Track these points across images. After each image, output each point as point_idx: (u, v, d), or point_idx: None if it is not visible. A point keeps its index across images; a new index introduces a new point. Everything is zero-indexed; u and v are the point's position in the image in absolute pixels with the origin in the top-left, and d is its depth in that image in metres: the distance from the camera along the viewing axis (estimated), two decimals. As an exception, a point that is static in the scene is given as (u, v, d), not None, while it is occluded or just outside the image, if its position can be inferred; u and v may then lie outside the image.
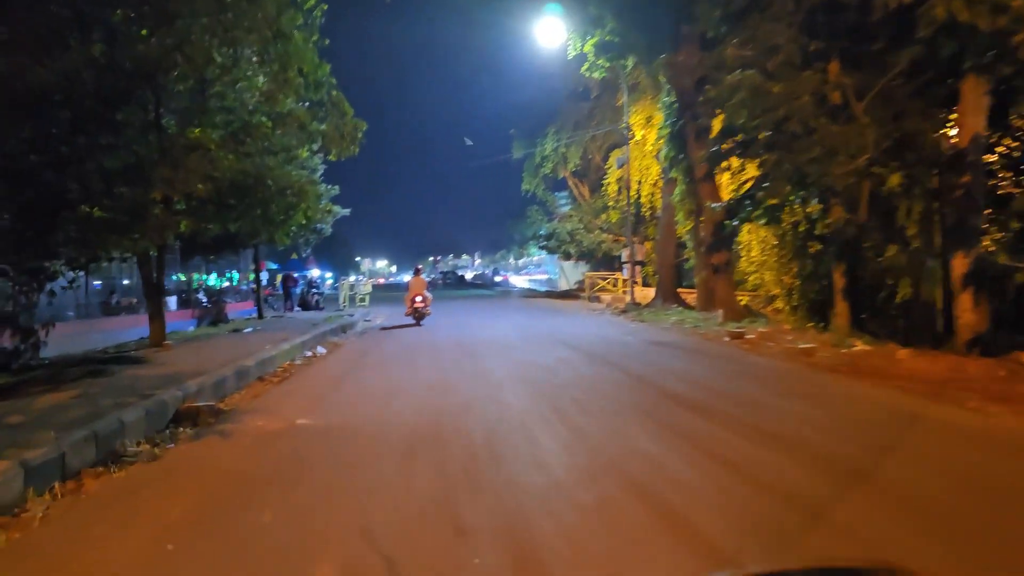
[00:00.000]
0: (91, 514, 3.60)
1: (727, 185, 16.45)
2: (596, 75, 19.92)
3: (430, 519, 3.41)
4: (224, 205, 10.48)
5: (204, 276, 30.66)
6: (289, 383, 8.03)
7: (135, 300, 21.40)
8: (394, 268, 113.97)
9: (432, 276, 63.48)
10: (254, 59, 9.42)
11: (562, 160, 30.60)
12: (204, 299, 20.75)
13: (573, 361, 9.33)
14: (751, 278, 16.39)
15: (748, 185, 13.77)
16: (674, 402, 6.33)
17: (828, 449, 4.57)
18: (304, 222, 13.47)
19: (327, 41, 10.67)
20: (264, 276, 23.01)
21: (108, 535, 3.29)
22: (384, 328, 16.04)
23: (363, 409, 6.35)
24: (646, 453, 4.51)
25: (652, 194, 23.86)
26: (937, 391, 6.56)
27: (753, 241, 15.99)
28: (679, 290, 20.02)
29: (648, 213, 24.59)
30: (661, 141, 18.46)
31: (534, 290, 43.18)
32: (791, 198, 11.41)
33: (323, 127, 11.51)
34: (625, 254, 22.05)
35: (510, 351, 10.53)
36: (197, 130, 8.66)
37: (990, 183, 9.64)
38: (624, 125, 21.87)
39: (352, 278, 37.30)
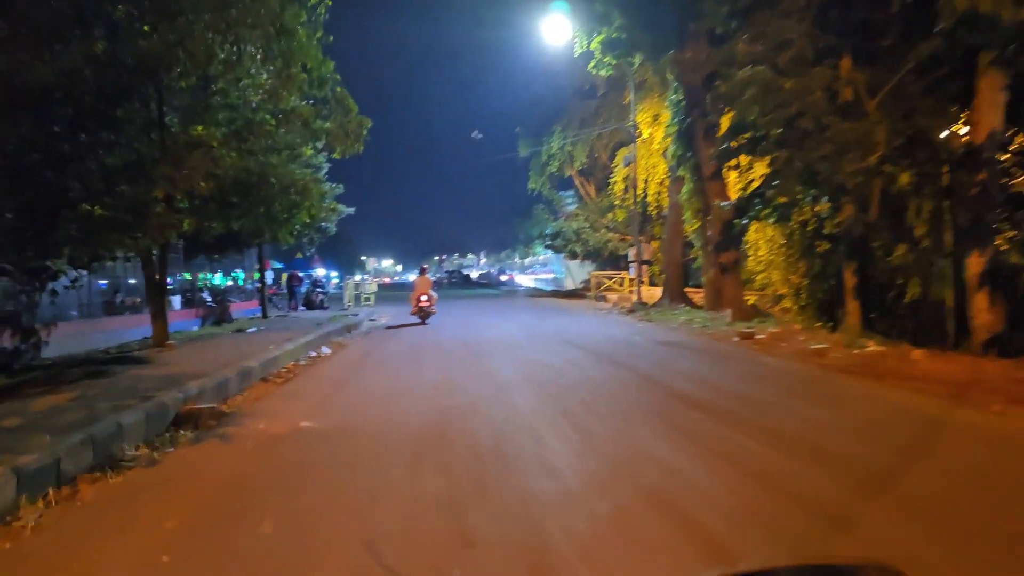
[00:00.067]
0: (85, 522, 3.47)
1: (734, 184, 16.27)
2: (603, 73, 19.72)
3: (436, 529, 3.27)
4: (227, 203, 10.36)
5: (209, 275, 30.63)
6: (292, 384, 7.91)
7: (139, 299, 21.34)
8: (400, 267, 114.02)
9: (437, 275, 63.41)
10: (258, 55, 9.28)
11: (568, 159, 30.42)
12: (208, 298, 20.66)
13: (580, 361, 9.19)
14: (758, 277, 16.20)
15: (756, 184, 13.61)
16: (685, 404, 6.17)
17: (850, 454, 4.40)
18: (308, 221, 13.37)
19: (331, 38, 10.54)
20: (269, 275, 22.93)
21: (101, 545, 3.16)
22: (389, 327, 15.98)
23: (367, 411, 6.21)
24: (659, 457, 4.37)
25: (659, 193, 23.65)
26: (957, 393, 6.38)
27: (761, 240, 15.79)
28: (686, 289, 19.85)
29: (655, 212, 24.40)
30: (668, 139, 18.30)
31: (540, 289, 43.03)
32: (801, 196, 11.24)
33: (327, 124, 11.37)
34: (632, 253, 21.90)
35: (516, 351, 10.39)
36: (199, 127, 8.53)
37: (1000, 181, 9.49)
38: (631, 123, 21.71)
39: (357, 277, 37.28)
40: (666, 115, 19.01)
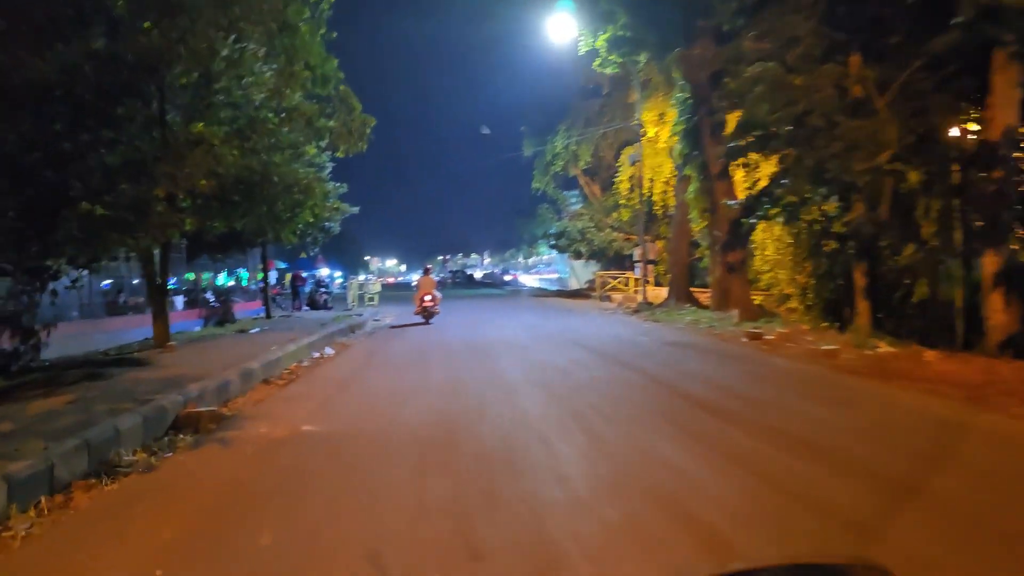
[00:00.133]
0: (78, 533, 3.34)
1: (740, 183, 16.09)
2: (608, 71, 19.60)
3: (443, 540, 3.13)
4: (228, 202, 10.23)
5: (214, 275, 30.56)
6: (295, 386, 7.78)
7: (141, 299, 21.23)
8: (404, 267, 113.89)
9: (441, 275, 63.33)
10: (261, 52, 9.15)
11: (573, 158, 30.23)
12: (212, 298, 20.59)
13: (588, 362, 9.04)
14: (764, 277, 16.05)
15: (762, 183, 13.49)
16: (697, 407, 6.02)
17: (870, 460, 4.25)
18: (311, 220, 13.25)
19: (335, 35, 10.42)
20: (273, 275, 22.84)
21: (93, 558, 3.03)
22: (393, 327, 15.94)
23: (371, 414, 6.07)
24: (670, 462, 4.22)
25: (664, 192, 23.47)
26: (975, 396, 6.22)
27: (767, 240, 15.65)
28: (692, 289, 19.69)
29: (660, 211, 24.21)
30: (674, 138, 18.17)
31: (544, 289, 42.88)
32: (811, 195, 11.08)
33: (331, 123, 11.24)
34: (637, 253, 21.70)
35: (522, 352, 10.25)
36: (200, 124, 8.41)
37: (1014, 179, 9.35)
38: (636, 121, 21.54)
39: (361, 277, 37.18)
40: (671, 114, 18.86)
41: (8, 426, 4.52)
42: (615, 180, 27.18)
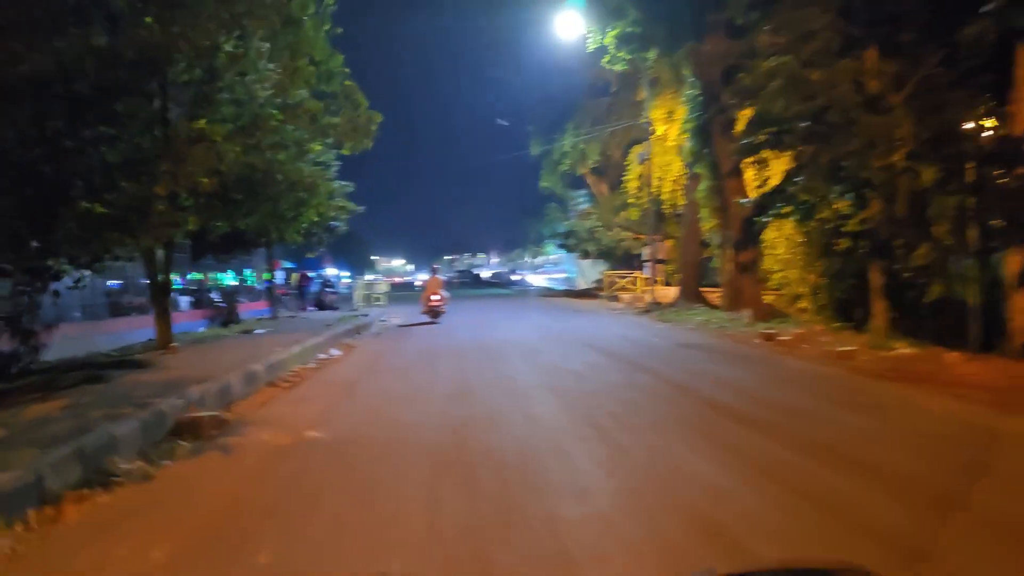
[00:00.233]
0: (64, 551, 3.13)
1: (750, 181, 15.82)
2: (617, 67, 19.30)
3: (456, 562, 2.90)
4: (231, 201, 10.02)
5: (221, 275, 30.49)
6: (300, 389, 7.56)
7: (146, 300, 21.11)
8: (411, 267, 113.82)
9: (448, 275, 63.24)
10: (265, 46, 8.93)
11: (581, 157, 29.98)
12: (217, 299, 20.43)
13: (601, 365, 8.80)
14: (775, 276, 15.81)
15: (773, 181, 13.28)
16: (719, 413, 5.77)
17: (905, 470, 4.00)
18: (316, 219, 13.06)
19: (340, 30, 10.21)
20: (279, 275, 22.70)
21: (80, 578, 2.82)
22: (401, 326, 15.86)
23: (378, 420, 5.84)
24: (700, 477, 3.96)
25: (673, 191, 23.23)
26: (1004, 400, 5.98)
27: (778, 239, 15.42)
28: (702, 289, 19.46)
29: (669, 210, 23.97)
30: (683, 136, 17.94)
31: (552, 289, 42.64)
32: (827, 193, 10.82)
33: (336, 120, 11.03)
34: (646, 252, 21.47)
35: (533, 354, 10.01)
36: (202, 121, 8.21)
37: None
38: (645, 120, 21.31)
39: (368, 277, 37.06)
40: (681, 111, 18.62)
41: (0, 432, 4.32)
42: (623, 179, 26.94)
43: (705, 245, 19.13)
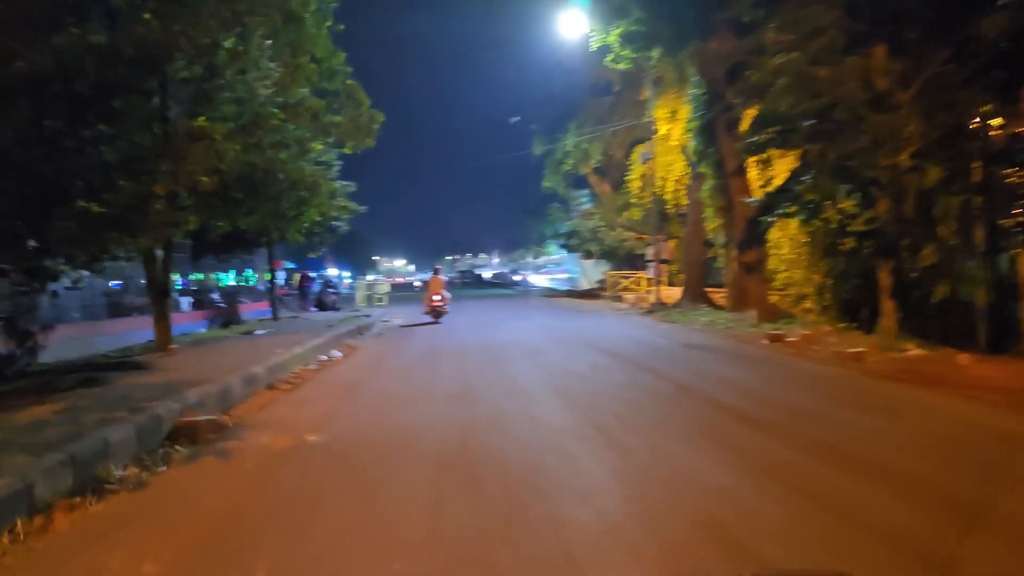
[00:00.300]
0: (53, 563, 3.01)
1: (754, 180, 15.69)
2: (621, 66, 19.17)
3: (460, 570, 2.79)
4: (232, 200, 9.89)
5: (223, 276, 30.41)
6: (300, 391, 7.44)
7: (146, 300, 21.01)
8: (412, 267, 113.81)
9: (450, 275, 63.18)
10: (266, 43, 8.81)
11: (583, 156, 29.86)
12: (219, 299, 20.32)
13: (606, 366, 8.67)
14: (780, 276, 15.70)
15: (777, 180, 13.18)
16: (728, 416, 5.63)
17: (928, 478, 3.85)
18: (318, 219, 12.95)
19: (341, 26, 10.10)
20: (281, 275, 22.60)
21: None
22: (403, 327, 15.82)
23: (380, 424, 5.71)
24: (712, 484, 3.82)
25: (676, 190, 23.14)
26: (1020, 403, 5.84)
27: (782, 239, 15.31)
28: (706, 289, 19.34)
29: (672, 210, 23.87)
30: (686, 136, 17.83)
31: (554, 289, 42.52)
32: (834, 192, 10.69)
33: (338, 118, 10.91)
34: (650, 252, 21.31)
35: (536, 355, 9.88)
36: (202, 119, 8.08)
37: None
38: (648, 119, 21.18)
39: (370, 277, 36.98)
40: (684, 111, 18.52)
41: (-10, 439, 4.20)
42: (626, 179, 26.85)
43: (709, 245, 19.03)
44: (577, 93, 28.90)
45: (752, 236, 14.65)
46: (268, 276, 17.60)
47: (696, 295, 18.80)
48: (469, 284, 58.59)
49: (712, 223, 16.66)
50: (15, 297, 7.71)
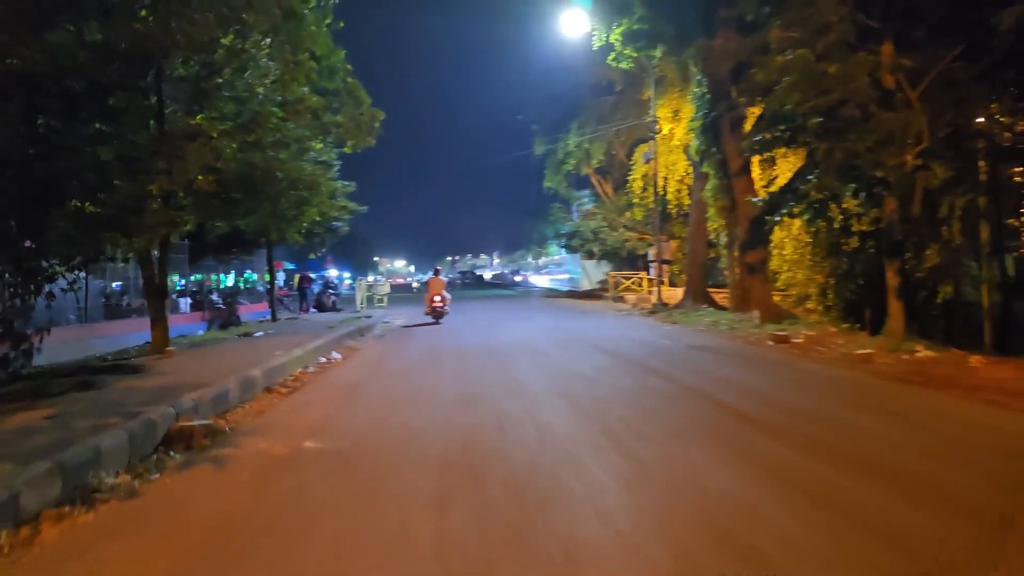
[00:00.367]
0: (38, 578, 2.86)
1: (756, 180, 15.55)
2: (623, 65, 19.06)
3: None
4: (230, 200, 9.75)
5: (223, 277, 30.25)
6: (299, 394, 7.28)
7: (144, 302, 20.85)
8: (412, 268, 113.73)
9: (450, 276, 63.06)
10: (265, 40, 8.67)
11: (585, 156, 29.75)
12: (218, 300, 20.17)
13: (611, 368, 8.52)
14: (782, 277, 15.59)
15: (781, 180, 13.05)
16: (739, 421, 5.47)
17: (949, 485, 3.70)
18: (318, 219, 12.81)
19: (341, 24, 9.97)
20: (281, 276, 22.46)
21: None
22: (404, 328, 15.74)
23: (381, 429, 5.54)
24: (726, 492, 3.67)
25: (679, 190, 23.06)
26: (1038, 406, 5.70)
27: (785, 239, 15.19)
28: (708, 289, 19.20)
29: (675, 210, 23.75)
30: (689, 135, 17.71)
31: (555, 290, 42.37)
32: (840, 191, 10.55)
33: (338, 117, 10.77)
34: (652, 252, 21.20)
35: (540, 357, 9.73)
36: (199, 117, 7.94)
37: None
38: (650, 119, 21.05)
39: (370, 278, 36.84)
40: (687, 110, 18.41)
41: (-22, 445, 4.05)
42: (628, 179, 26.73)
43: (711, 245, 18.92)
44: (579, 93, 28.81)
45: (756, 236, 14.50)
46: (268, 277, 17.48)
47: (698, 296, 18.67)
48: (470, 285, 58.51)
49: (715, 223, 16.53)
50: (9, 298, 7.56)
